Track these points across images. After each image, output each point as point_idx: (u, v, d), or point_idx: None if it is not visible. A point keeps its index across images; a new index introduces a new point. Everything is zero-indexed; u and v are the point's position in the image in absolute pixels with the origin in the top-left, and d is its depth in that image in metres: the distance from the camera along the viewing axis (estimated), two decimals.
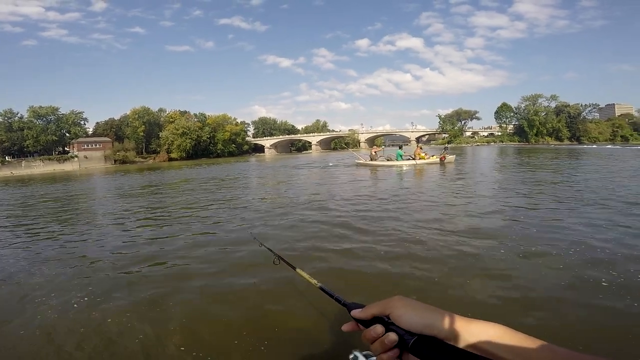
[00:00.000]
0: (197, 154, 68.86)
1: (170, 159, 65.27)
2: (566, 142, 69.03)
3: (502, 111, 78.15)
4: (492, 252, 4.19)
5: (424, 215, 6.44)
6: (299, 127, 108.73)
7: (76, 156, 59.80)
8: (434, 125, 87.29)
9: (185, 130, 67.36)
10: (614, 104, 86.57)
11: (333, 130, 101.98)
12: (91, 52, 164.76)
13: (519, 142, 71.40)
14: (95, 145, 63.02)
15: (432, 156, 19.55)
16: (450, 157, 19.52)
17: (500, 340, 0.45)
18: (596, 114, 77.57)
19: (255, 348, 2.50)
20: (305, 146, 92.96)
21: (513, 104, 77.47)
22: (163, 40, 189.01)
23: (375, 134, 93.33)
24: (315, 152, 78.82)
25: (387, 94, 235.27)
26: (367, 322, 0.54)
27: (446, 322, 0.48)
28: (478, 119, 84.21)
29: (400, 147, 21.17)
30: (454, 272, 3.67)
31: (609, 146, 51.69)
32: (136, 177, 24.09)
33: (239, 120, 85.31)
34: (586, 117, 74.64)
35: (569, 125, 71.52)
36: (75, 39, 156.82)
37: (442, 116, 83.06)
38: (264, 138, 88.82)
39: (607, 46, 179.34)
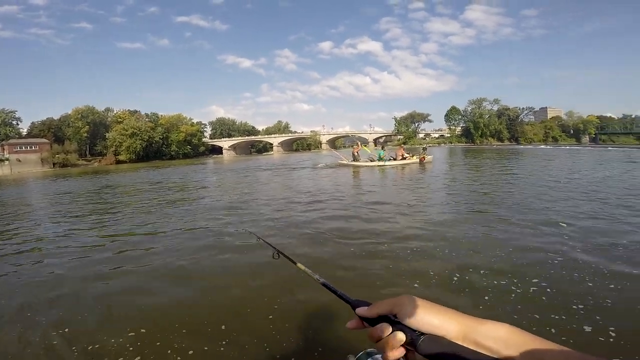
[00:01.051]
0: (149, 156, 65.07)
1: (119, 162, 60.98)
2: (506, 142, 75.40)
3: (451, 114, 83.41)
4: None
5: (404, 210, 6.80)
6: (260, 128, 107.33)
7: (7, 159, 53.53)
8: (390, 127, 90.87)
9: (135, 131, 63.30)
10: (546, 107, 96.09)
11: (295, 132, 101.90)
12: (27, 47, 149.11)
13: (465, 143, 76.69)
14: (30, 147, 56.94)
15: (413, 156, 20.30)
16: (429, 158, 20.41)
17: (509, 341, 0.45)
18: (532, 117, 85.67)
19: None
20: (266, 147, 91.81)
21: (461, 107, 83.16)
22: (113, 37, 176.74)
23: (336, 135, 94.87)
24: (276, 153, 78.20)
25: (347, 96, 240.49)
26: (373, 321, 0.53)
27: (455, 321, 0.48)
28: (430, 121, 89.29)
29: (383, 148, 21.99)
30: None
31: (542, 146, 57.71)
32: (75, 183, 22.22)
33: (195, 121, 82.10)
34: (523, 119, 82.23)
35: (509, 127, 78.25)
36: (10, 34, 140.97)
37: (398, 119, 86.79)
38: (222, 139, 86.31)
39: (543, 53, 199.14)
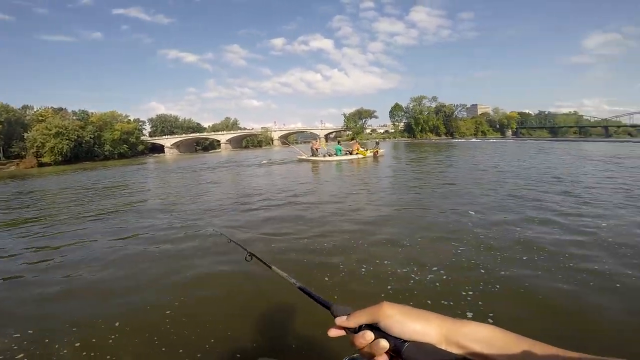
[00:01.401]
0: (79, 157, 59.02)
1: (41, 164, 54.40)
2: (443, 137, 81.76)
3: (395, 111, 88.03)
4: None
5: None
6: (206, 125, 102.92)
7: None
8: (340, 123, 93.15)
9: (60, 130, 56.85)
10: (476, 104, 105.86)
11: (245, 128, 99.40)
12: None
13: (407, 137, 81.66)
14: None
15: (367, 150, 21.07)
16: (382, 152, 21.39)
17: (492, 341, 0.45)
18: (464, 113, 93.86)
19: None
20: (213, 145, 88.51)
21: (404, 104, 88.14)
22: (35, 30, 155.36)
23: (288, 132, 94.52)
24: (224, 150, 75.79)
25: (299, 92, 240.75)
26: (355, 328, 0.52)
27: (436, 325, 0.48)
28: (376, 117, 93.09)
29: (339, 143, 22.40)
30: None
31: (473, 140, 64.24)
32: None
33: (132, 118, 76.17)
34: (457, 115, 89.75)
35: (445, 123, 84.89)
36: None
37: (347, 115, 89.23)
38: (164, 137, 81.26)
39: (475, 55, 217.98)
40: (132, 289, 3.48)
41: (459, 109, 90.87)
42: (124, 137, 66.80)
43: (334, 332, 0.55)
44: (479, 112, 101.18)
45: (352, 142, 23.06)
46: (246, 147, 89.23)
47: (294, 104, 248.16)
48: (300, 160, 20.64)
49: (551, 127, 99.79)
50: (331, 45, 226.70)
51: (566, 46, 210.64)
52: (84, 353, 2.42)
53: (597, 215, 5.24)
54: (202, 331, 2.60)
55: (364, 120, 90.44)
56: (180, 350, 2.39)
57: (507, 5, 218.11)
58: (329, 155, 20.29)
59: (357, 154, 20.26)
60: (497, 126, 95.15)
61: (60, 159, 56.34)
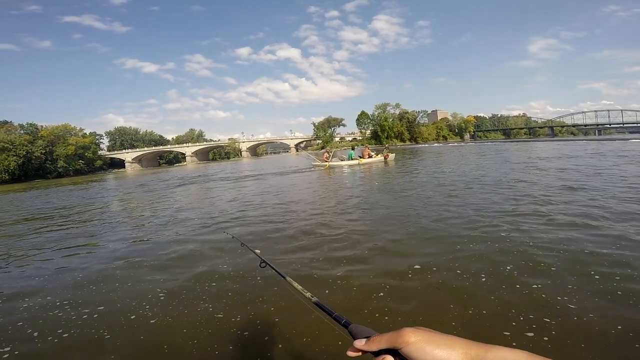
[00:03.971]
0: (28, 175, 54.60)
1: None
2: (407, 142, 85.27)
3: (361, 118, 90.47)
4: None
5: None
6: (169, 137, 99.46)
7: None
8: (309, 132, 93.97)
9: (6, 145, 52.24)
10: (436, 110, 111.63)
11: (211, 140, 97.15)
12: None
13: (375, 144, 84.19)
14: None
15: (378, 155, 21.51)
16: (391, 156, 21.51)
17: None
18: (425, 119, 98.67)
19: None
20: (177, 158, 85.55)
21: (369, 111, 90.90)
22: None
23: (257, 142, 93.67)
24: (190, 163, 73.41)
25: (267, 102, 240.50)
26: (375, 352, 0.51)
27: (460, 351, 0.46)
28: (344, 125, 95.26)
29: (353, 149, 23.03)
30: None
31: (435, 144, 67.53)
32: None
33: (87, 132, 71.76)
34: (419, 121, 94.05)
35: (409, 129, 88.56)
36: None
37: (316, 124, 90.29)
38: (124, 151, 77.34)
39: (432, 62, 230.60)
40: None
41: (421, 115, 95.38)
42: (80, 152, 62.70)
43: (352, 353, 0.54)
44: (439, 117, 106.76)
45: (363, 147, 23.95)
46: (213, 159, 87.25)
47: (262, 114, 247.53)
48: (315, 167, 21.05)
49: (504, 129, 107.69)
50: (298, 55, 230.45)
51: (514, 52, 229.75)
52: None
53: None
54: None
55: (332, 128, 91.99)
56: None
57: (459, 13, 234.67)
58: (341, 160, 21.00)
59: (368, 158, 20.79)
60: (457, 130, 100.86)
61: (6, 176, 51.61)
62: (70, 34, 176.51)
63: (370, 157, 21.09)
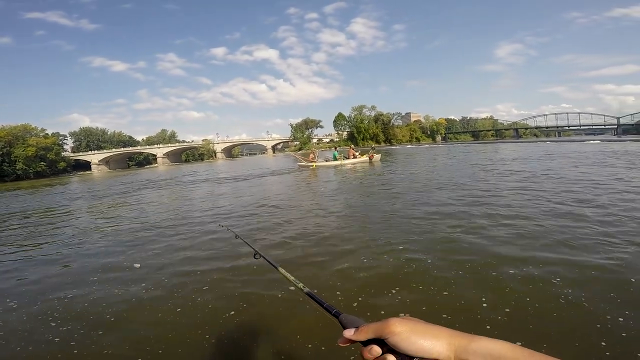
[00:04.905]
0: None
1: None
2: (383, 144, 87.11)
3: (338, 120, 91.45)
4: None
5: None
6: (139, 138, 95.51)
7: None
8: (287, 134, 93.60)
9: None
10: (410, 112, 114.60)
11: (184, 141, 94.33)
12: None
13: (350, 145, 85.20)
14: None
15: (363, 155, 21.78)
16: (377, 157, 21.84)
17: (502, 358, 0.44)
18: (399, 121, 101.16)
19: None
20: (148, 160, 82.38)
21: (345, 113, 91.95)
22: None
23: (232, 144, 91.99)
24: (162, 165, 71.01)
25: (243, 103, 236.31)
26: (363, 341, 0.52)
27: (445, 341, 0.47)
28: (322, 127, 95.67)
29: (336, 149, 22.97)
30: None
31: (409, 146, 69.53)
32: None
33: (50, 132, 67.66)
34: (394, 123, 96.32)
35: (384, 131, 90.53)
36: None
37: (294, 125, 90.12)
38: (90, 152, 73.58)
39: (406, 65, 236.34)
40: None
41: (395, 117, 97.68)
42: (41, 153, 58.90)
43: (343, 341, 0.55)
44: (412, 119, 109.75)
45: (348, 148, 24.37)
46: (186, 161, 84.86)
47: (237, 115, 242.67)
48: (301, 167, 21.35)
49: (473, 131, 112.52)
50: (276, 56, 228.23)
51: (482, 56, 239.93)
52: None
53: None
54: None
55: (310, 130, 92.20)
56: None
57: (432, 18, 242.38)
58: (326, 161, 21.38)
59: (353, 158, 21.18)
60: (429, 132, 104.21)
61: None
62: (33, 31, 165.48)
63: (355, 157, 21.58)
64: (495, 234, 4.34)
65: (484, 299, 2.70)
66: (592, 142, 33.82)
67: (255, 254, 1.08)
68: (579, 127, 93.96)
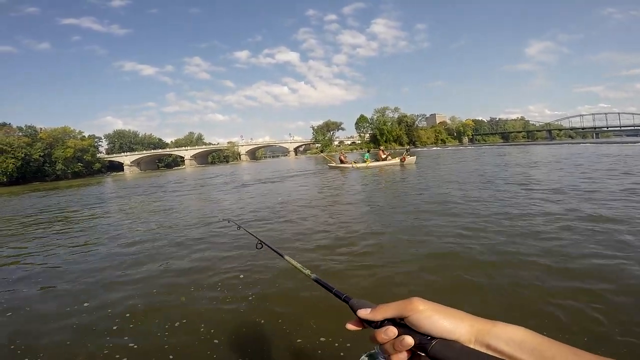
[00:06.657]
0: (27, 178, 54.36)
1: None
2: (406, 146, 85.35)
3: (360, 122, 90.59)
4: None
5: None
6: (168, 140, 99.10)
7: None
8: (308, 136, 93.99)
9: (4, 147, 52.10)
10: (435, 113, 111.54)
11: (210, 143, 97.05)
12: None
13: (374, 148, 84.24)
14: None
15: (395, 157, 20.94)
16: (411, 159, 20.35)
17: (523, 344, 0.44)
18: (424, 122, 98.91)
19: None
20: (176, 162, 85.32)
21: (367, 114, 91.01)
22: None
23: (256, 146, 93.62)
24: (189, 167, 73.26)
25: (266, 105, 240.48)
26: (377, 322, 0.51)
27: (466, 324, 0.47)
28: (343, 129, 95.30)
29: (368, 151, 23.02)
30: None
31: (434, 148, 67.69)
32: None
33: (86, 134, 71.63)
34: (418, 125, 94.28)
35: (407, 133, 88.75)
36: None
37: (315, 127, 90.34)
38: (123, 154, 77.22)
39: (430, 65, 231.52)
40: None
41: (419, 118, 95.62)
42: (78, 154, 62.55)
43: (352, 326, 0.54)
44: (437, 121, 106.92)
45: (378, 150, 23.82)
46: (212, 162, 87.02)
47: (260, 117, 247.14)
48: (331, 168, 21.34)
49: (502, 132, 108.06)
50: (297, 58, 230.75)
51: (512, 55, 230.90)
52: None
53: None
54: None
55: (332, 132, 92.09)
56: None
57: (456, 17, 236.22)
58: (355, 163, 20.91)
59: (382, 160, 20.48)
60: (455, 134, 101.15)
61: (5, 179, 51.42)
62: (69, 36, 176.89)
63: (384, 159, 20.72)
64: None
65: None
66: (636, 143, 31.14)
67: (257, 244, 1.07)
68: (619, 128, 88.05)
